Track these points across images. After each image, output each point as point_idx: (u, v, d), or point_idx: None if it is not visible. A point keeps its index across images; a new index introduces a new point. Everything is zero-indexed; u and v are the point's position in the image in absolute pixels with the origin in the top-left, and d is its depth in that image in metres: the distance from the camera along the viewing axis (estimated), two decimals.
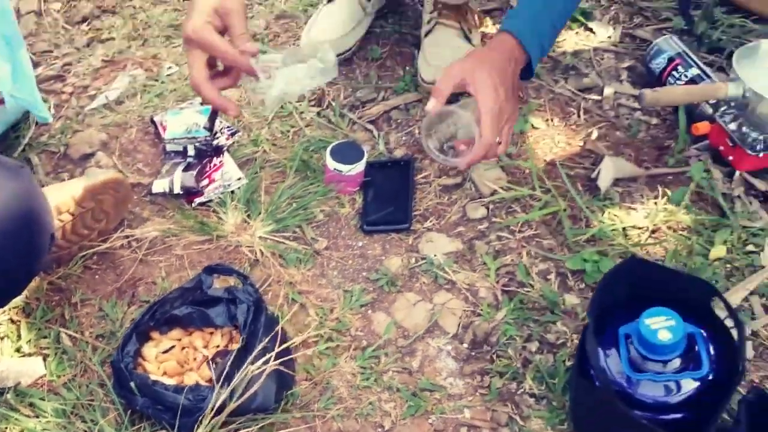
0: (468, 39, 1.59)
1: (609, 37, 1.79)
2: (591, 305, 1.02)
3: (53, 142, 1.52)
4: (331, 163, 1.40)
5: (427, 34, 1.61)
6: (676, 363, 0.96)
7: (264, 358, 1.03)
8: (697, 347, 0.95)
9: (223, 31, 1.09)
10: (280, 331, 1.11)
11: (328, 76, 1.15)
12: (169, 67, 1.67)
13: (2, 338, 1.25)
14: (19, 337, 1.25)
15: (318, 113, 1.58)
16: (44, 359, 1.21)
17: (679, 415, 0.96)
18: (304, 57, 1.12)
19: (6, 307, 1.25)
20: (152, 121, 1.53)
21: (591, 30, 1.80)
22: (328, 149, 1.41)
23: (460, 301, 1.29)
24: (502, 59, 1.12)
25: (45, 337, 1.23)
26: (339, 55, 1.64)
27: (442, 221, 1.40)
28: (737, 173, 1.45)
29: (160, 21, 1.79)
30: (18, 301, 1.27)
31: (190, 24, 1.08)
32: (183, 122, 1.47)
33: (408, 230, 1.39)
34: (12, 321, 1.27)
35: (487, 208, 1.42)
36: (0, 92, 1.36)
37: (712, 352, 0.97)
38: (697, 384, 0.96)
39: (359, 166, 1.41)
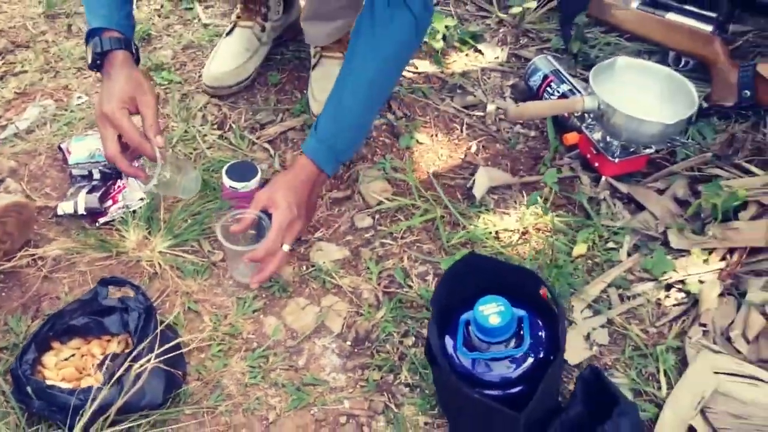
0: None
1: (496, 57, 1.93)
2: (434, 297, 1.13)
3: None
4: (227, 181, 1.50)
5: (314, 67, 1.72)
6: (512, 343, 1.08)
7: (146, 357, 1.12)
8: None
9: (134, 113, 1.30)
10: (166, 333, 1.20)
11: (186, 196, 1.47)
12: (79, 97, 1.76)
13: None
14: None
15: (220, 136, 1.69)
16: None
17: (520, 388, 1.08)
18: (178, 176, 1.38)
19: None
20: (60, 148, 1.61)
21: (480, 51, 1.94)
22: (224, 168, 1.51)
23: (345, 303, 1.39)
24: (300, 181, 1.36)
25: None
26: (239, 83, 1.76)
27: (332, 231, 1.51)
28: (603, 178, 1.59)
29: (72, 54, 1.88)
30: None
31: (108, 105, 1.28)
32: (86, 148, 1.55)
33: (300, 241, 1.49)
34: None
35: (373, 218, 1.53)
36: None
37: (542, 333, 1.09)
38: (531, 360, 1.08)
39: (253, 184, 1.51)
